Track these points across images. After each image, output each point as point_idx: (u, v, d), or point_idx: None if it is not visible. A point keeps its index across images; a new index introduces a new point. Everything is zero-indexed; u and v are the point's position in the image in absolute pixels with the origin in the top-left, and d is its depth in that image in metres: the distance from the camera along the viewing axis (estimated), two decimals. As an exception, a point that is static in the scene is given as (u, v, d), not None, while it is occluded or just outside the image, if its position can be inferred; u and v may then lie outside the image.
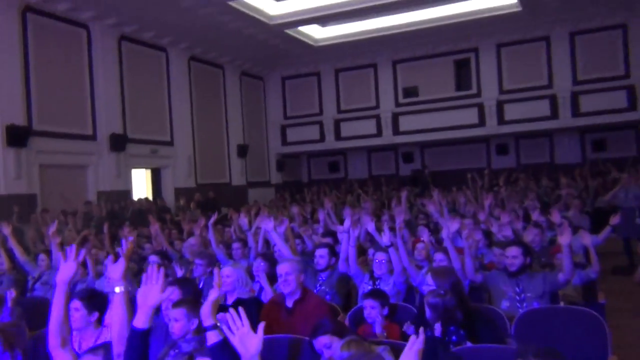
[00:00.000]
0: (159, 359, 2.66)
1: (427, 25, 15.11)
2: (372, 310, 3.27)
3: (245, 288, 3.80)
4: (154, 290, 2.18)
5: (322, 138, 18.31)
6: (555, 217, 5.37)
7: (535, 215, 6.01)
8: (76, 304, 2.99)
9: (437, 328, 3.02)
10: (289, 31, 14.76)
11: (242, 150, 17.28)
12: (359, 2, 13.19)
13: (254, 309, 3.63)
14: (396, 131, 17.39)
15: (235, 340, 2.03)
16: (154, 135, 14.11)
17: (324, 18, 14.17)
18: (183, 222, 10.55)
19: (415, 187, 15.17)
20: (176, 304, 2.76)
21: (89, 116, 12.31)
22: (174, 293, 2.99)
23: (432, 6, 14.28)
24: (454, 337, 2.81)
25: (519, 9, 14.03)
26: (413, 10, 14.50)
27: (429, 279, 3.35)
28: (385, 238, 4.03)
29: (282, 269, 3.63)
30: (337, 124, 18.16)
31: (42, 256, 5.56)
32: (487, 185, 13.19)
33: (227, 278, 3.69)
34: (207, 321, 2.26)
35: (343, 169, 19.76)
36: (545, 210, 7.46)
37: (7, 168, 10.35)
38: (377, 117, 17.62)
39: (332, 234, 5.78)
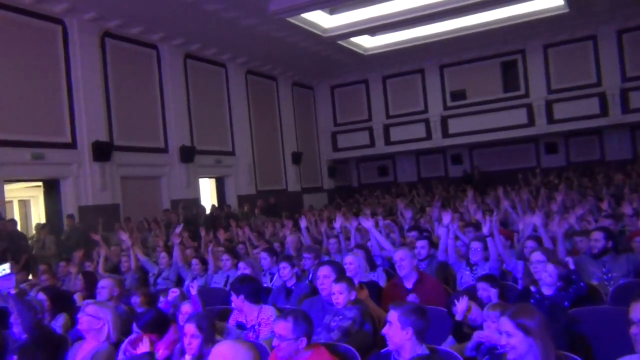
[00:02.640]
0: (326, 323, 3.28)
1: (474, 30, 15.50)
2: (484, 292, 3.82)
3: (366, 273, 4.42)
4: None
5: (372, 143, 18.90)
6: (627, 208, 5.83)
7: (606, 206, 6.47)
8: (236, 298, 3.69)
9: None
10: (341, 42, 15.41)
11: (297, 158, 18.00)
12: (408, 12, 13.74)
13: (374, 290, 4.24)
14: (445, 134, 17.84)
15: None
16: (218, 146, 14.95)
17: (375, 29, 14.76)
18: (257, 226, 11.31)
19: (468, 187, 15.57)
20: (338, 279, 3.39)
21: (161, 130, 13.19)
22: (330, 272, 3.65)
23: (479, 12, 14.69)
24: (566, 303, 3.40)
25: (566, 10, 14.33)
26: (460, 17, 14.94)
27: (539, 255, 3.92)
28: (485, 229, 4.58)
29: (396, 255, 4.24)
30: (386, 129, 18.72)
31: (163, 254, 6.30)
32: (540, 183, 13.54)
33: (350, 265, 4.31)
34: None
35: (392, 173, 20.25)
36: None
37: (94, 181, 11.25)
38: (426, 121, 18.10)
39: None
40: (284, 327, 2.87)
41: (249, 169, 15.89)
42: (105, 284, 4.42)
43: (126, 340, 3.36)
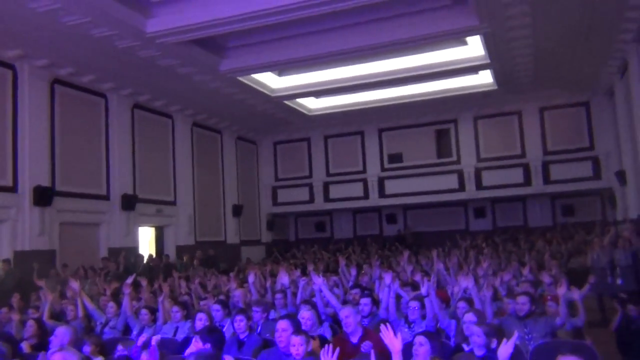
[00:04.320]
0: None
1: (411, 99, 16.60)
2: (421, 347, 4.20)
3: (317, 329, 4.77)
4: None
5: (312, 199, 19.41)
6: (545, 277, 6.53)
7: (526, 272, 7.16)
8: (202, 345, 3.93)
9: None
10: (287, 102, 16.08)
11: (237, 210, 18.21)
12: (352, 80, 14.67)
13: (322, 344, 4.57)
14: (382, 194, 18.61)
15: None
16: (160, 195, 15.01)
17: (320, 92, 15.56)
18: (195, 277, 11.37)
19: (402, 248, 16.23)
20: (296, 332, 3.74)
21: (104, 177, 13.19)
22: (288, 326, 3.98)
23: (416, 83, 15.77)
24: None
25: (495, 87, 15.65)
26: (398, 86, 15.96)
27: (471, 316, 4.40)
28: (423, 290, 5.05)
29: (342, 313, 4.62)
30: (326, 186, 19.33)
31: (111, 304, 6.39)
32: (469, 246, 14.37)
33: (308, 320, 4.66)
34: None
35: (329, 229, 20.77)
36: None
37: (32, 225, 11.08)
38: (364, 181, 18.87)
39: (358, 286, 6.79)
40: None
41: (189, 220, 15.96)
42: (62, 332, 4.53)
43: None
